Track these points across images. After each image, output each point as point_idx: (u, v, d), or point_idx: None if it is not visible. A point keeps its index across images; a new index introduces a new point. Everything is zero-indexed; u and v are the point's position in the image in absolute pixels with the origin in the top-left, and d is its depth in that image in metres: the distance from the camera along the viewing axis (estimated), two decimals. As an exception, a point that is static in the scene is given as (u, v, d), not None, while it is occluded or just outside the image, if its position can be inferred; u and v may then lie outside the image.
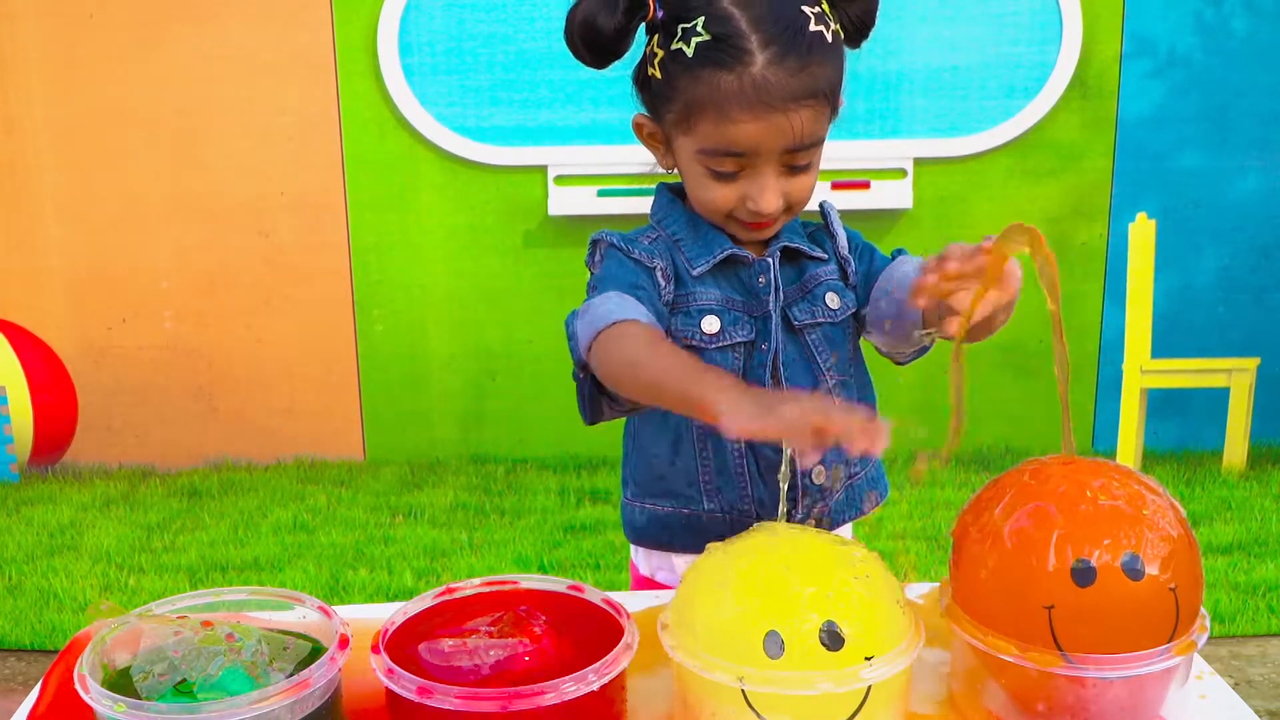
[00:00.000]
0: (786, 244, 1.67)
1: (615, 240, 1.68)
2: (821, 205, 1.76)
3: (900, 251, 1.73)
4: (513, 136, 5.23)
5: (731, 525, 1.69)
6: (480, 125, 5.22)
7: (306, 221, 5.36)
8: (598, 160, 5.14)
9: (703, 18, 1.52)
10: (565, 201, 5.20)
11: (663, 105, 1.61)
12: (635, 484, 1.79)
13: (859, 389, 1.75)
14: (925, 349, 1.70)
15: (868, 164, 4.95)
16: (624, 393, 1.52)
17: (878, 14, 1.62)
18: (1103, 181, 5.14)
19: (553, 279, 5.28)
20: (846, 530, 1.84)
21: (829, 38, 1.54)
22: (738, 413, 1.24)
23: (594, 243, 1.71)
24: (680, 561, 1.78)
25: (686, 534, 1.74)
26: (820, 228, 1.75)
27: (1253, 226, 5.18)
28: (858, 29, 1.60)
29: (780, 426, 1.21)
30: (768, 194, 1.57)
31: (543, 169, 5.22)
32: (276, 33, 5.20)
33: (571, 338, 1.58)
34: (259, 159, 5.31)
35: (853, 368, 1.73)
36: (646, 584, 1.82)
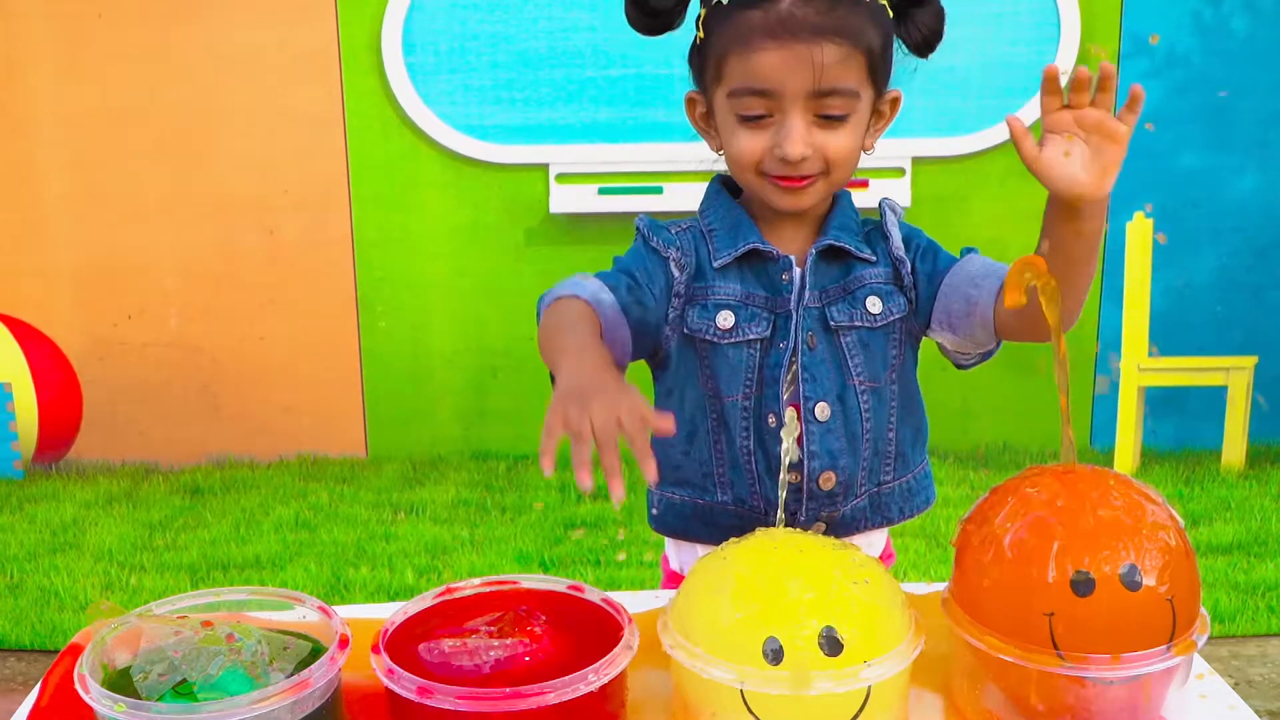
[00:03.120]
0: (833, 243, 1.66)
1: (643, 226, 1.71)
2: (881, 203, 1.76)
3: (970, 250, 1.71)
4: (515, 135, 5.23)
5: (743, 519, 1.70)
6: (483, 124, 5.23)
7: (310, 219, 5.37)
8: (598, 158, 5.14)
9: None
10: (566, 199, 5.20)
11: (705, 65, 1.63)
12: None
13: (901, 399, 1.73)
14: (990, 354, 1.70)
15: (866, 162, 4.85)
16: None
17: (944, 27, 1.64)
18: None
19: (554, 276, 5.18)
20: (880, 536, 1.84)
21: None
22: (556, 394, 1.32)
23: (636, 229, 1.74)
24: (705, 554, 1.77)
25: (700, 524, 1.75)
26: (877, 227, 1.73)
27: (1251, 226, 5.18)
28: (926, 40, 1.63)
29: (570, 426, 1.27)
30: (793, 137, 1.56)
31: (544, 167, 5.22)
32: (282, 32, 5.20)
33: (538, 318, 1.63)
34: (264, 157, 5.32)
35: (893, 375, 1.71)
36: (678, 580, 1.81)
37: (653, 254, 1.67)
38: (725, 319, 1.65)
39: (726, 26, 1.57)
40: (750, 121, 1.58)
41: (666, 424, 1.29)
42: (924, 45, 1.63)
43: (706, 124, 1.69)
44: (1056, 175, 1.43)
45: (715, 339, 1.65)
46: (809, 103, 1.56)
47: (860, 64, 1.57)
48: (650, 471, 1.26)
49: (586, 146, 5.17)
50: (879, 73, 1.61)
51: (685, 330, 1.66)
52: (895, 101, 1.67)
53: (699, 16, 1.62)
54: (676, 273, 1.65)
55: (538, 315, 1.62)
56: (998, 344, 1.66)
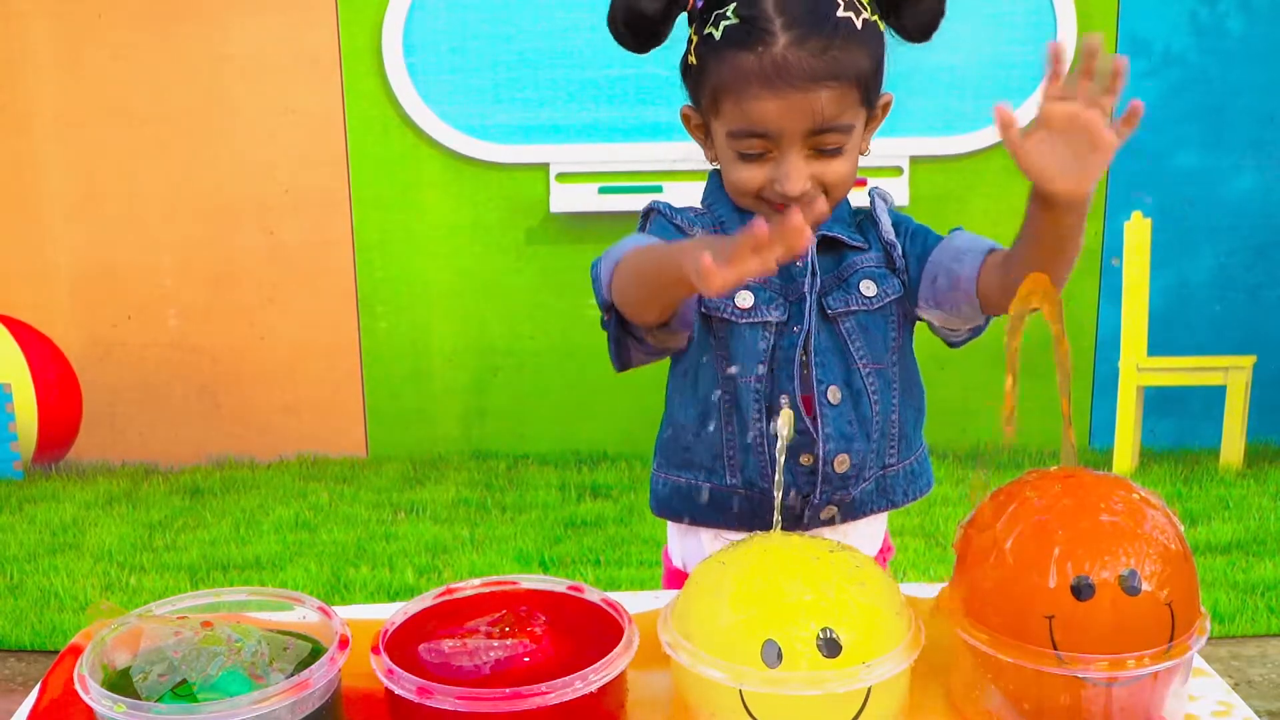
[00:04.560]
0: (825, 233, 1.69)
1: (662, 208, 1.73)
2: (870, 192, 1.77)
3: (958, 230, 1.73)
4: (515, 134, 5.24)
5: (751, 502, 1.71)
6: (483, 123, 5.24)
7: (311, 219, 5.37)
8: (599, 158, 5.15)
9: (735, 3, 1.57)
10: (566, 198, 5.21)
11: (698, 91, 1.65)
12: (662, 454, 1.81)
13: (902, 380, 1.75)
14: (979, 329, 1.72)
15: (864, 161, 4.87)
16: (639, 312, 1.55)
17: (943, 17, 1.64)
18: (1098, 180, 5.14)
19: (554, 275, 5.29)
20: (880, 520, 1.85)
21: (858, 24, 1.56)
22: (699, 266, 1.27)
23: (645, 213, 1.75)
24: (709, 542, 1.77)
25: (706, 508, 1.75)
26: (868, 215, 1.75)
27: (1248, 225, 5.18)
28: (922, 29, 1.64)
29: (728, 272, 1.25)
30: (793, 176, 1.58)
31: (544, 166, 5.23)
32: (282, 32, 5.21)
33: (595, 281, 1.62)
34: (264, 157, 5.32)
35: (894, 357, 1.73)
36: (679, 577, 1.82)
37: (679, 231, 1.69)
38: (744, 298, 1.67)
39: (720, 63, 1.58)
40: (749, 158, 1.61)
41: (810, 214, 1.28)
42: (920, 34, 1.64)
43: (703, 136, 1.71)
44: (1036, 167, 1.43)
45: (734, 318, 1.66)
46: (807, 140, 1.58)
47: (855, 98, 1.59)
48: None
49: (587, 146, 5.18)
50: (872, 93, 1.62)
51: (703, 309, 1.68)
52: (887, 105, 1.69)
53: (692, 43, 1.64)
54: None
55: (596, 278, 1.62)
56: (986, 320, 1.68)
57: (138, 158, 5.34)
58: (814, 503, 1.71)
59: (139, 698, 1.22)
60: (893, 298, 1.71)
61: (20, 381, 5.16)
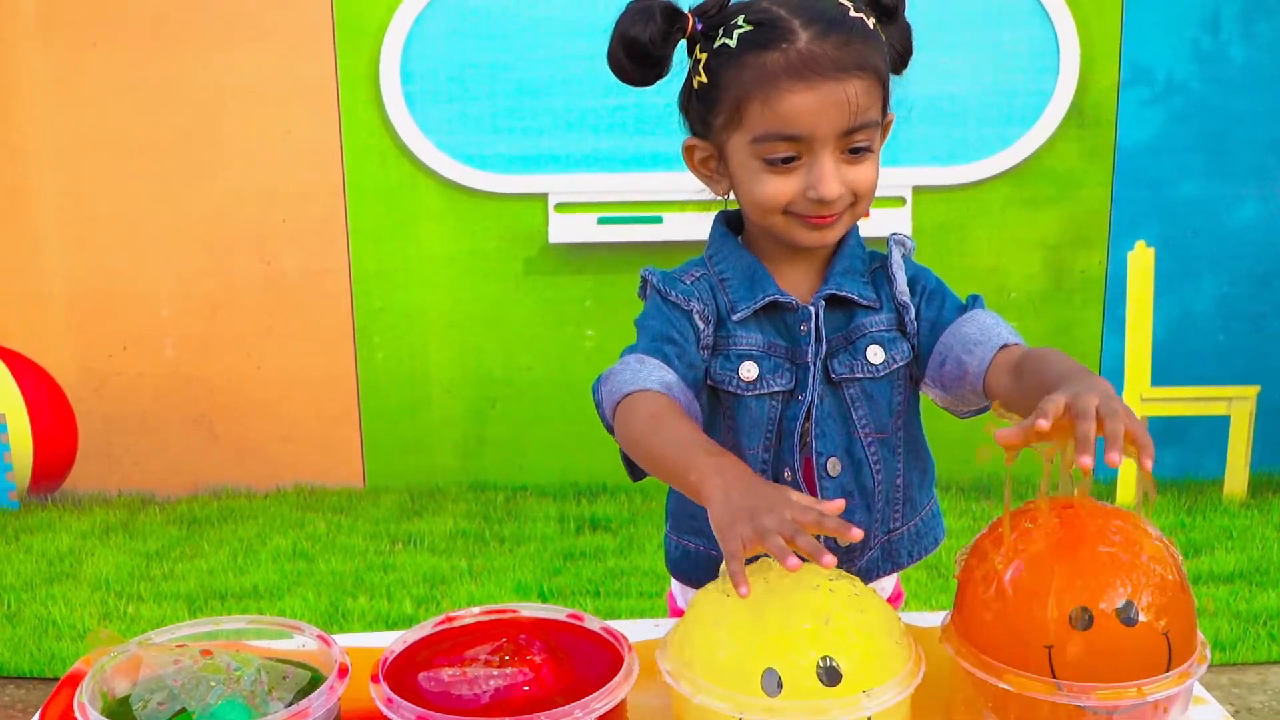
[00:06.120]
0: (834, 291, 1.63)
1: (656, 281, 1.66)
2: (890, 239, 1.71)
3: (975, 299, 1.68)
4: (513, 164, 5.23)
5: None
6: (481, 153, 5.23)
7: (308, 248, 5.36)
8: (598, 188, 5.15)
9: (743, 14, 1.54)
10: (565, 229, 5.20)
11: (711, 111, 1.59)
12: (673, 518, 1.80)
13: (907, 444, 1.71)
14: (987, 406, 1.63)
15: None
16: (641, 466, 1.54)
17: (913, 41, 1.64)
18: (1101, 210, 5.15)
19: (553, 306, 5.28)
20: (890, 581, 1.82)
21: (870, 25, 1.55)
22: (718, 518, 1.28)
23: (642, 280, 1.69)
24: None
25: (712, 574, 1.73)
26: (883, 266, 1.69)
27: (1251, 254, 5.18)
28: (899, 56, 1.62)
29: (750, 540, 1.23)
30: (828, 179, 1.53)
31: (543, 196, 5.22)
32: (279, 61, 5.21)
33: (598, 406, 1.59)
34: (261, 186, 5.32)
35: (899, 422, 1.69)
36: None
37: (674, 309, 1.63)
38: (749, 370, 1.62)
39: (740, 69, 1.53)
40: (778, 165, 1.54)
41: (837, 506, 1.28)
42: (899, 62, 1.63)
43: (710, 169, 1.66)
44: None
45: (739, 390, 1.62)
46: (838, 141, 1.53)
47: (878, 94, 1.56)
48: (829, 560, 1.22)
49: (586, 176, 5.18)
50: (888, 96, 1.60)
51: (709, 381, 1.64)
52: (888, 125, 1.65)
53: (698, 61, 1.59)
54: (701, 325, 1.62)
55: (598, 404, 1.59)
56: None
57: (133, 187, 5.33)
58: None
59: (137, 726, 1.22)
60: (900, 364, 1.66)
61: (15, 412, 5.15)
